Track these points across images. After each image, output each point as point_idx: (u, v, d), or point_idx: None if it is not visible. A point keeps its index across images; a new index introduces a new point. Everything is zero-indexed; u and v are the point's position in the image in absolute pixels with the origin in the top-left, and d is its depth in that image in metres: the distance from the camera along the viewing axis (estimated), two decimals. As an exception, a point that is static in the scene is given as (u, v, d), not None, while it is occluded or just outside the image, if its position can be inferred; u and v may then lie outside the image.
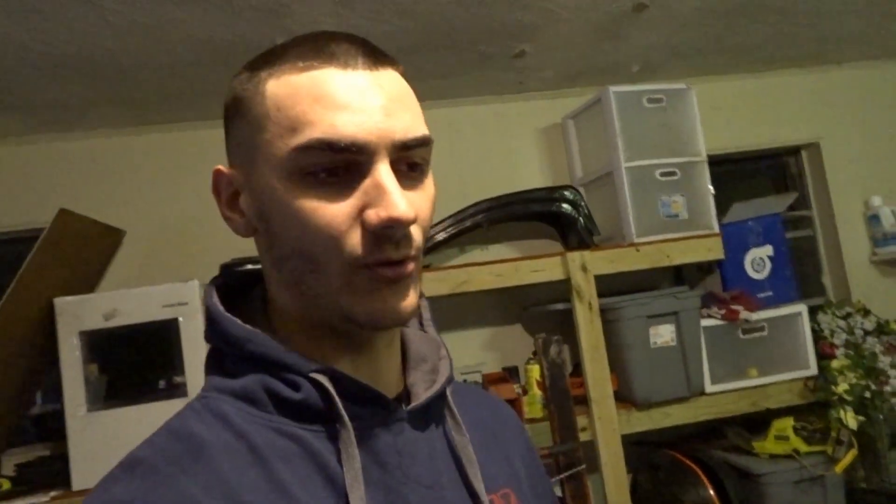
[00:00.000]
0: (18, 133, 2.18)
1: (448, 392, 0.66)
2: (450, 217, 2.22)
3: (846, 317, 2.29)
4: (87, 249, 1.97)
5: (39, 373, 1.96)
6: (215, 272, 0.64)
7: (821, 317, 2.29)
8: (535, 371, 2.07)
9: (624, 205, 2.16)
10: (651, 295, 2.09)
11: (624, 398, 2.07)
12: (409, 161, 0.58)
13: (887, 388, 2.09)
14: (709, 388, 2.12)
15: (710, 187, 2.25)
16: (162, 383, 1.93)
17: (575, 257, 2.05)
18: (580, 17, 1.96)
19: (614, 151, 2.18)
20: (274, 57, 0.59)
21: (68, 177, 2.21)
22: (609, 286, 2.12)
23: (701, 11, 2.05)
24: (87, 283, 2.04)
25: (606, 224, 2.27)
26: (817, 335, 2.23)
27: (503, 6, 1.83)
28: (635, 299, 2.06)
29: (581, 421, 1.98)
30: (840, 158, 2.73)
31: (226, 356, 0.61)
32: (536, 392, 2.06)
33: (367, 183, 0.55)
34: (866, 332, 2.23)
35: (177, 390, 1.85)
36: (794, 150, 2.82)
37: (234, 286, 0.66)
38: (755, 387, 2.15)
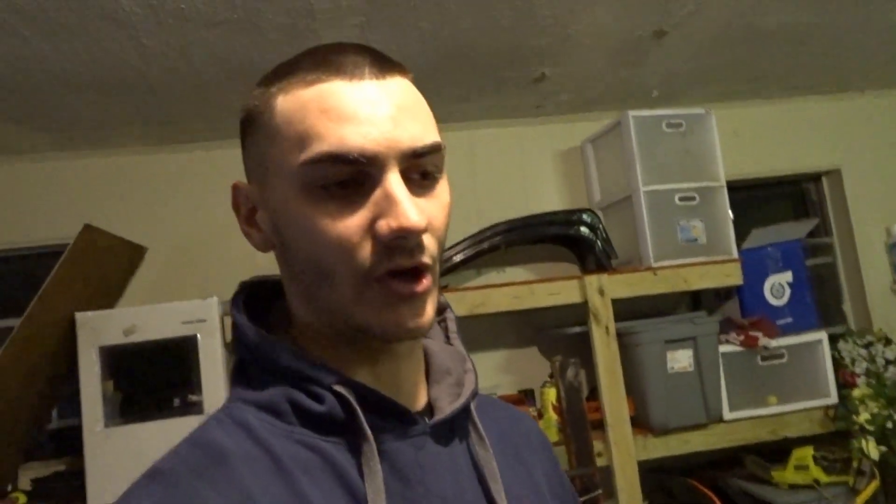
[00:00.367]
0: (45, 149, 2.23)
1: (472, 406, 0.65)
2: (467, 239, 2.22)
3: (867, 345, 2.27)
4: (109, 265, 1.99)
5: (57, 388, 1.98)
6: (235, 290, 0.65)
7: (841, 345, 2.27)
8: (550, 394, 2.05)
9: (642, 229, 2.16)
10: (669, 320, 2.08)
11: (640, 423, 2.05)
12: (421, 169, 0.58)
13: (910, 419, 2.05)
14: (727, 415, 2.09)
15: (730, 212, 2.24)
16: (177, 401, 1.92)
17: (592, 281, 2.04)
18: (600, 42, 1.98)
19: (633, 175, 2.18)
20: (284, 72, 0.60)
21: (93, 193, 2.25)
22: (626, 310, 2.11)
23: (721, 39, 2.06)
24: (108, 298, 2.06)
25: (624, 248, 2.27)
26: (838, 363, 2.20)
27: (524, 31, 1.85)
28: (653, 324, 2.05)
29: (597, 446, 1.96)
30: (861, 186, 2.71)
31: (250, 367, 0.62)
32: (552, 416, 2.04)
33: (377, 194, 0.55)
34: (888, 362, 2.20)
35: (192, 408, 1.85)
36: (815, 177, 2.81)
37: (258, 299, 0.67)
38: (774, 415, 2.12)
